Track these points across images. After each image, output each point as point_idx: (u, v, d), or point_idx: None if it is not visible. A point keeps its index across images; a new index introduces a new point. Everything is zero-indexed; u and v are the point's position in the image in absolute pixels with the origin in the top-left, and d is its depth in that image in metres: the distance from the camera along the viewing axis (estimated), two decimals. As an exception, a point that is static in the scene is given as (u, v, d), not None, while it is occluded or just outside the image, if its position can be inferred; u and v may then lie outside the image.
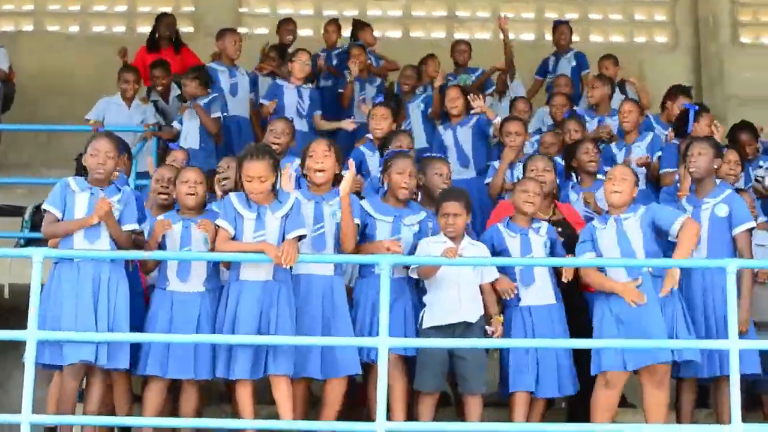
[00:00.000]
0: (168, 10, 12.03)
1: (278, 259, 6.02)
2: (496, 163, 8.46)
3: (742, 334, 6.29)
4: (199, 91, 9.24)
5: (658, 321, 6.31)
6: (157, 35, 11.12)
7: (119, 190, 6.35)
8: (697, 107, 8.61)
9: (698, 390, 6.96)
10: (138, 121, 9.82)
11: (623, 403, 7.26)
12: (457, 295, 6.43)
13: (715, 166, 6.94)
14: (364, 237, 6.65)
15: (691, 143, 7.08)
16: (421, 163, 7.15)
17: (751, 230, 6.81)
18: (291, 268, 6.20)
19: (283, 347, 6.12)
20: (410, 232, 6.68)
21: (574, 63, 11.15)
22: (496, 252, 6.70)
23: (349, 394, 6.54)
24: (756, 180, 8.70)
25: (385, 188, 6.85)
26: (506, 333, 6.60)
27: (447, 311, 6.42)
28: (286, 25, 11.18)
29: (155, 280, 6.50)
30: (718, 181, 7.06)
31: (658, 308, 6.34)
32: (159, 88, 10.45)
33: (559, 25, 11.45)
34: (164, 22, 11.18)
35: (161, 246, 6.41)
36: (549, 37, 11.81)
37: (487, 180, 8.45)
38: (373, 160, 8.36)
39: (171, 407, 6.52)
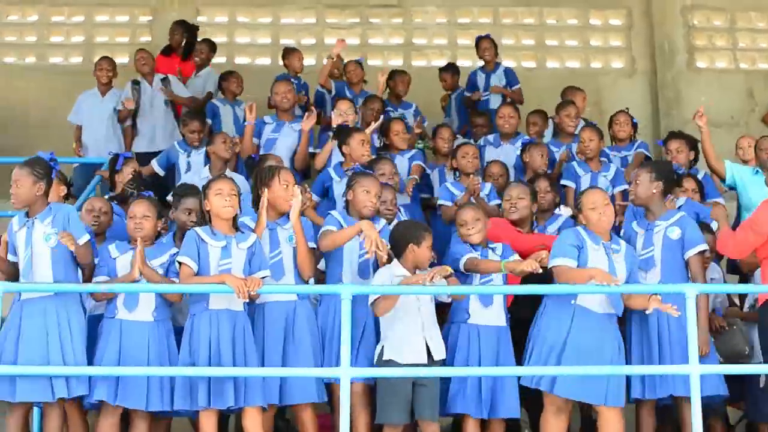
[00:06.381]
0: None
1: (241, 289, 5.96)
2: (450, 186, 8.37)
3: (702, 357, 6.28)
4: None
5: (612, 355, 6.26)
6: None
7: None
8: (662, 141, 8.67)
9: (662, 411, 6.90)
10: (111, 108, 10.37)
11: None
12: (421, 332, 6.28)
13: (654, 190, 6.78)
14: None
15: (637, 169, 7.02)
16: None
17: (703, 252, 6.73)
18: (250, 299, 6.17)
19: (254, 377, 6.10)
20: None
21: (504, 81, 11.11)
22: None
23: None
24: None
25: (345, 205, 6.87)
26: (452, 351, 6.51)
27: (413, 351, 6.26)
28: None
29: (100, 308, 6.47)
30: (677, 202, 7.06)
31: (614, 343, 6.32)
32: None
33: (480, 40, 11.29)
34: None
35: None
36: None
37: (442, 202, 8.32)
38: (340, 186, 8.08)
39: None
